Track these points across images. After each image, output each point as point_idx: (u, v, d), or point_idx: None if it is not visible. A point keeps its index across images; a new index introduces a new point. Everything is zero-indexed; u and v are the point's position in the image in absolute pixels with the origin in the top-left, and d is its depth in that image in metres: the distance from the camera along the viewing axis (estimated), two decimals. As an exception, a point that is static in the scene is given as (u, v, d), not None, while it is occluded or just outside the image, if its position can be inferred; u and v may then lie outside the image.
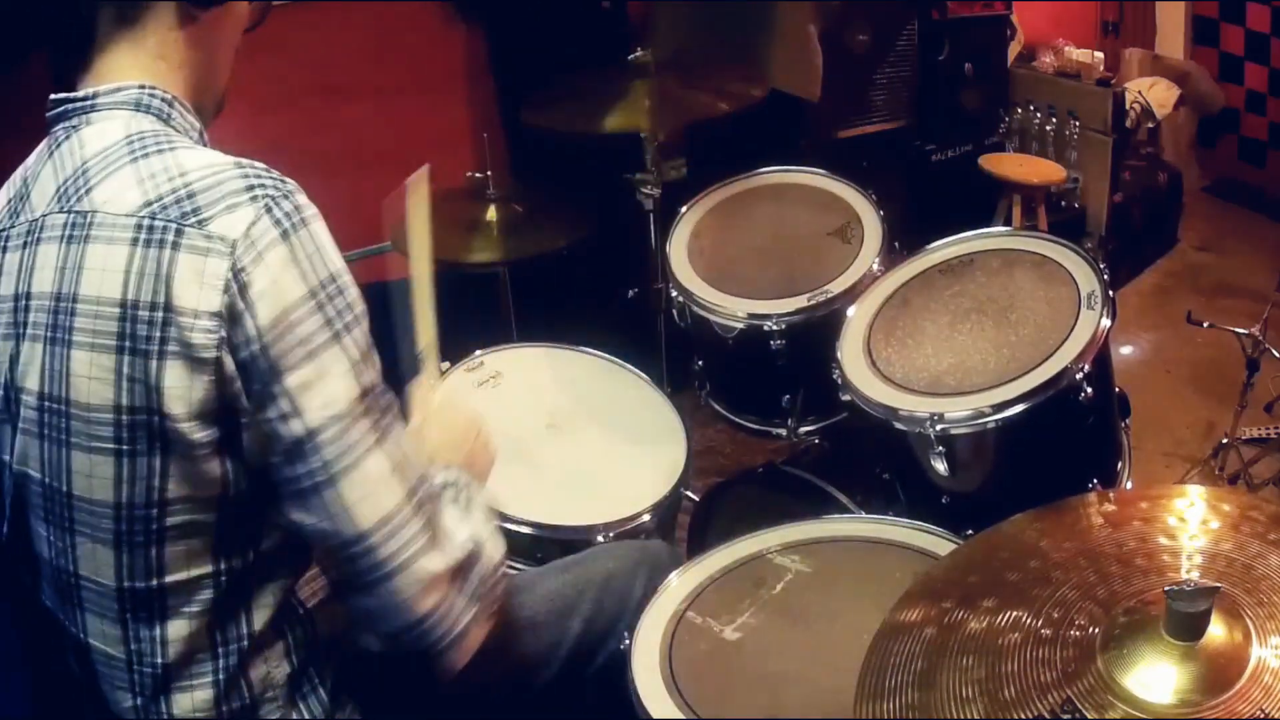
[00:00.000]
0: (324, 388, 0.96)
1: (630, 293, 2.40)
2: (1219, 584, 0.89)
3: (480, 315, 2.38)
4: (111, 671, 1.04)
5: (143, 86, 1.02)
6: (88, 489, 0.98)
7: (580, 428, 1.77)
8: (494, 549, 1.12)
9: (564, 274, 2.41)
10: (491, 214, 2.25)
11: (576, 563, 1.45)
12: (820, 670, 1.23)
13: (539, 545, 1.57)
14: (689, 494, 1.85)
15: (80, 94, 1.01)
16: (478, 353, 1.85)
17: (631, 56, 2.19)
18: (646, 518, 1.59)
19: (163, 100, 1.02)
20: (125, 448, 0.96)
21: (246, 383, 0.95)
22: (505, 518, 1.54)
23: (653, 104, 2.11)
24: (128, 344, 0.94)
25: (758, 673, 1.25)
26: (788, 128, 2.91)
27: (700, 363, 2.07)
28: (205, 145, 1.05)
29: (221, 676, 1.03)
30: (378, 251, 2.76)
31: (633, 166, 2.23)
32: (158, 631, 1.01)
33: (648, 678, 1.24)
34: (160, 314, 0.93)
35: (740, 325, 1.92)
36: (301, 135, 2.65)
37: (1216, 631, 0.89)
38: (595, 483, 1.68)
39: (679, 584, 1.39)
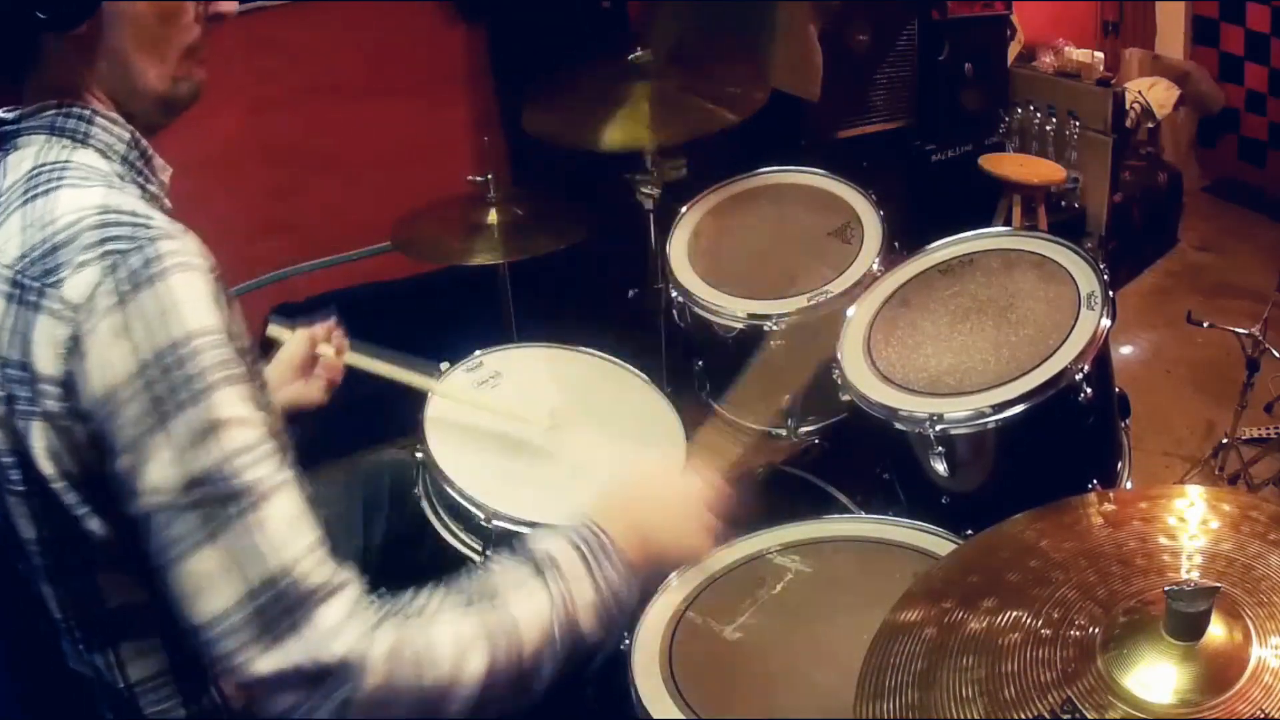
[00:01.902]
0: (147, 475, 0.88)
1: (630, 293, 2.40)
2: (1219, 584, 0.89)
3: (480, 316, 2.38)
4: (99, 691, 1.05)
5: (60, 105, 0.99)
6: (19, 528, 0.99)
7: (580, 428, 1.77)
8: (459, 665, 0.95)
9: (564, 274, 2.41)
10: (492, 217, 2.25)
11: None
12: (820, 670, 1.23)
13: (539, 545, 1.56)
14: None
15: (9, 115, 1.01)
16: (477, 353, 1.85)
17: (631, 56, 2.19)
18: (646, 518, 1.59)
19: (79, 119, 1.00)
20: (22, 489, 0.96)
21: (98, 452, 0.90)
22: (505, 518, 1.54)
23: (653, 114, 2.11)
24: (6, 397, 0.92)
25: (758, 673, 1.25)
26: (788, 128, 2.91)
27: (700, 363, 2.07)
28: (137, 152, 1.03)
29: (185, 693, 1.04)
30: (378, 252, 2.78)
31: (632, 166, 2.23)
32: (112, 657, 1.02)
33: (647, 678, 1.24)
34: (28, 374, 0.91)
35: (740, 325, 1.92)
36: (301, 135, 2.65)
37: (1216, 631, 0.89)
38: (595, 483, 1.67)
39: (679, 584, 1.39)
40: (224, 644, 0.89)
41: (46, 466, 0.92)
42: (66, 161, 0.97)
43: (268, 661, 0.88)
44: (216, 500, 0.88)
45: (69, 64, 1.00)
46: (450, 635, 0.96)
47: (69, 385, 0.89)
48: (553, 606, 1.03)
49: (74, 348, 0.88)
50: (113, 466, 0.89)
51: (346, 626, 0.91)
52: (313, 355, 1.61)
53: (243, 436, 0.90)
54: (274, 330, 1.64)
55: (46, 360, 0.89)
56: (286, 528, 0.91)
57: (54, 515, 0.95)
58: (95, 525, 0.95)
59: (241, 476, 0.89)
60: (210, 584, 0.88)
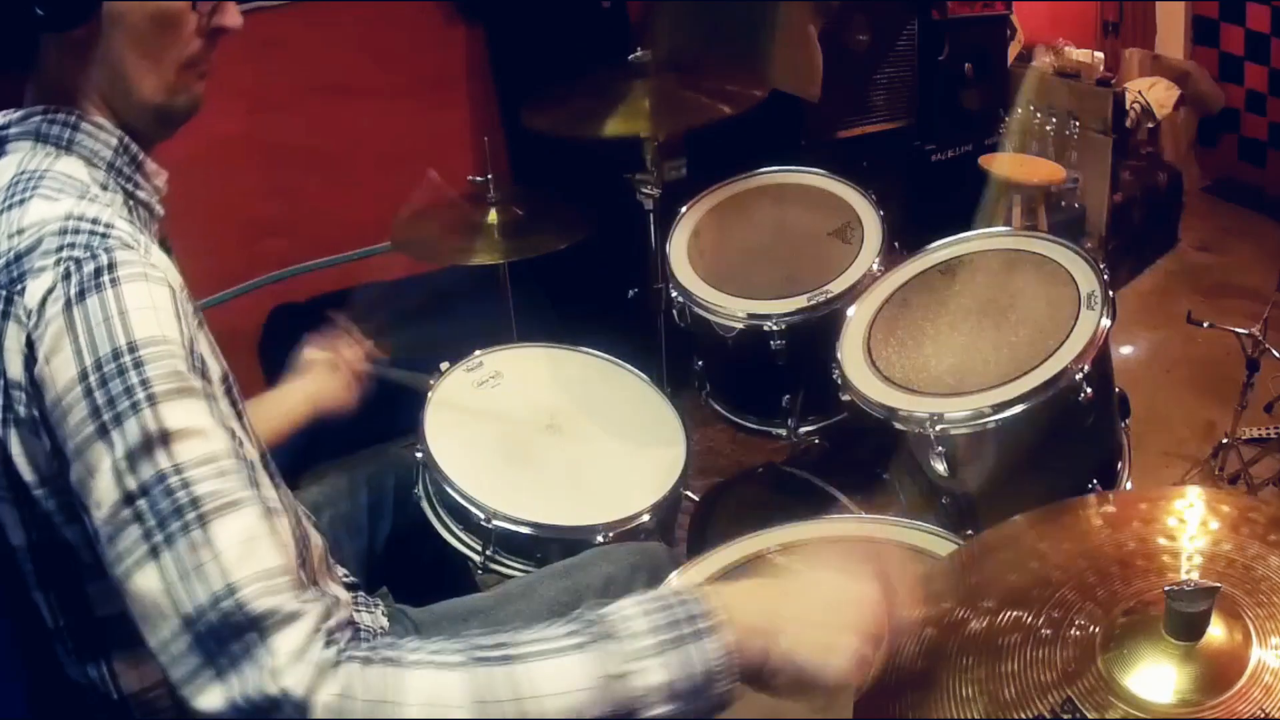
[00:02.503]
0: (93, 487, 0.85)
1: (630, 293, 2.40)
2: (1219, 584, 0.89)
3: (480, 316, 2.38)
4: (94, 702, 1.05)
5: (46, 112, 0.99)
6: (9, 534, 0.98)
7: (580, 428, 1.77)
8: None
9: (564, 274, 2.41)
10: (492, 217, 2.25)
11: (574, 568, 1.44)
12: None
13: (538, 545, 1.57)
14: (689, 494, 1.86)
15: (2, 121, 1.01)
16: (477, 353, 1.85)
17: (631, 56, 2.19)
18: (646, 518, 1.59)
19: (64, 125, 0.99)
20: (9, 495, 0.95)
21: (60, 461, 0.88)
22: (505, 517, 1.54)
23: (653, 108, 2.11)
24: None
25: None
26: (788, 128, 2.91)
27: (700, 363, 2.07)
28: (126, 158, 1.02)
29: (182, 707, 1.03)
30: (378, 251, 2.78)
31: (632, 166, 2.23)
32: (105, 668, 1.02)
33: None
34: (2, 380, 0.90)
35: (740, 325, 1.92)
36: (301, 135, 2.65)
37: (1216, 631, 0.89)
38: (595, 483, 1.68)
39: (679, 584, 1.38)
40: (173, 671, 0.83)
41: (26, 473, 0.92)
42: (45, 170, 0.97)
43: (212, 695, 0.82)
44: (160, 514, 0.83)
45: (65, 68, 0.99)
46: (424, 690, 0.82)
47: (31, 392, 0.88)
48: (589, 683, 0.84)
49: (30, 353, 0.87)
50: (71, 479, 0.87)
51: (296, 662, 0.81)
52: (340, 360, 1.65)
53: (194, 450, 0.85)
54: (311, 354, 1.66)
55: (15, 366, 0.89)
56: (237, 548, 0.83)
57: (38, 522, 0.95)
58: (73, 534, 0.94)
59: (190, 490, 0.84)
60: (155, 604, 0.83)
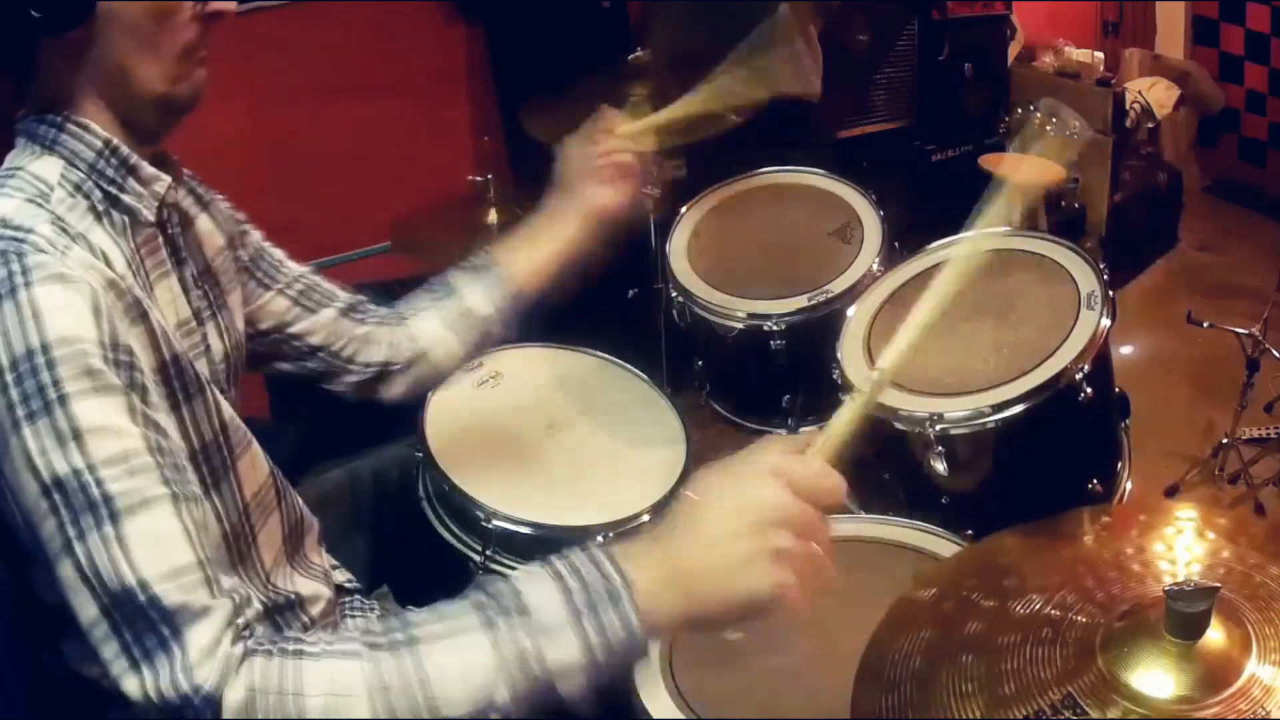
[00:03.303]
0: (17, 479, 0.88)
1: (630, 293, 2.40)
2: (1218, 584, 0.90)
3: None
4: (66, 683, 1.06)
5: (38, 111, 1.01)
6: None
7: (580, 428, 1.77)
8: (331, 715, 0.84)
9: (564, 274, 2.40)
10: (492, 217, 2.25)
11: None
12: (820, 670, 1.23)
13: (538, 545, 1.56)
14: (689, 494, 1.85)
15: (18, 119, 1.03)
16: (478, 353, 1.85)
17: (631, 57, 2.19)
18: (646, 518, 1.59)
19: (50, 125, 1.01)
20: None
21: None
22: (505, 517, 1.54)
23: (654, 120, 2.10)
24: None
25: (758, 673, 1.25)
26: (788, 128, 2.91)
27: (700, 363, 2.07)
28: (115, 161, 1.02)
29: None
30: (378, 252, 2.78)
31: (632, 166, 2.22)
32: (60, 650, 1.03)
33: (647, 678, 1.24)
34: None
35: (740, 325, 1.92)
36: (301, 135, 2.65)
37: (1216, 632, 0.89)
38: (595, 483, 1.68)
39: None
40: (100, 654, 0.87)
41: None
42: (18, 169, 0.99)
43: (132, 683, 0.86)
44: (74, 508, 0.86)
45: (61, 71, 1.00)
46: (324, 681, 0.84)
47: None
48: (499, 667, 0.85)
49: None
50: (0, 474, 0.89)
51: (207, 658, 0.84)
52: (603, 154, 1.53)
53: (108, 447, 0.88)
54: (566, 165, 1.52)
55: None
56: (150, 545, 0.86)
57: None
58: (9, 522, 0.95)
59: (103, 487, 0.87)
60: (75, 593, 0.87)
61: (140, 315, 0.98)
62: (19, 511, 0.89)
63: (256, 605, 0.90)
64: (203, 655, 0.84)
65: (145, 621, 0.85)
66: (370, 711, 0.84)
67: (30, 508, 0.88)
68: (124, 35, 0.99)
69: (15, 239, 0.92)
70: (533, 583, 0.90)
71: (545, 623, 0.87)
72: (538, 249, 1.50)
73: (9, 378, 0.87)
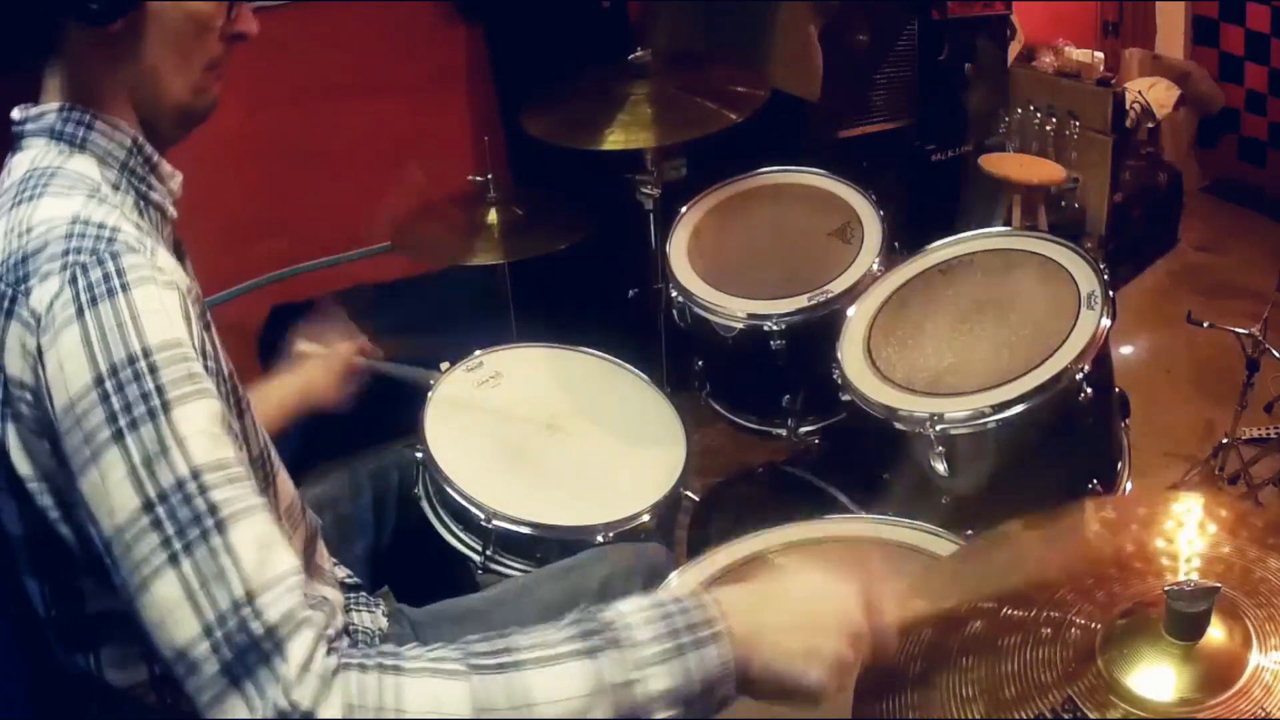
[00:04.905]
0: (108, 495, 0.83)
1: (630, 293, 2.40)
2: (1218, 584, 0.89)
3: (480, 316, 2.38)
4: (82, 688, 1.05)
5: (62, 109, 0.99)
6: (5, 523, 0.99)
7: (580, 428, 1.77)
8: None
9: (564, 274, 2.41)
10: (492, 216, 2.25)
11: (571, 569, 1.44)
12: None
13: (538, 545, 1.57)
14: (689, 494, 1.86)
15: (17, 117, 1.00)
16: (478, 353, 1.85)
17: (632, 56, 2.19)
18: (646, 518, 1.59)
19: (78, 123, 0.98)
20: (4, 485, 0.95)
21: (65, 467, 0.87)
22: (505, 517, 1.54)
23: (655, 117, 2.11)
24: None
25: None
26: (788, 128, 2.91)
27: (700, 363, 2.07)
28: (140, 159, 1.02)
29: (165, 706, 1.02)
30: (378, 251, 2.78)
31: (632, 166, 2.23)
32: (92, 660, 1.02)
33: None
34: (3, 376, 0.90)
35: (740, 325, 1.92)
36: (301, 135, 2.65)
37: (1216, 631, 0.89)
38: (595, 483, 1.68)
39: (679, 584, 1.38)
40: (190, 679, 0.82)
41: (22, 466, 0.92)
42: (57, 168, 0.96)
43: (227, 705, 0.80)
44: (180, 520, 0.82)
45: (94, 64, 0.99)
46: (427, 700, 0.82)
47: (37, 395, 0.87)
48: (599, 693, 0.84)
49: (38, 358, 0.87)
50: (79, 485, 0.85)
51: (304, 672, 0.81)
52: (332, 354, 1.65)
53: (209, 454, 0.85)
54: (304, 347, 1.67)
55: (18, 367, 0.88)
56: (256, 553, 0.83)
57: (33, 515, 0.95)
58: (68, 531, 0.94)
59: (208, 495, 0.83)
60: (174, 611, 0.81)
61: (207, 323, 0.98)
62: (102, 528, 0.84)
63: (340, 616, 0.87)
64: (301, 669, 0.80)
65: (250, 635, 0.81)
66: None
67: (124, 524, 0.83)
68: (163, 38, 0.99)
69: (106, 238, 0.89)
70: (636, 612, 0.89)
71: (646, 655, 0.86)
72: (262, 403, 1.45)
73: (109, 385, 0.84)
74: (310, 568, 1.27)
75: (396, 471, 1.67)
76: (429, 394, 1.73)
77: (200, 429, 0.86)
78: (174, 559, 0.82)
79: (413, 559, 1.62)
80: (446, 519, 1.61)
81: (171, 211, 1.07)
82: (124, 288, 0.87)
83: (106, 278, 0.87)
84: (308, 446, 1.59)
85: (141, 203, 1.02)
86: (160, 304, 0.88)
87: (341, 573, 1.40)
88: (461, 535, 1.59)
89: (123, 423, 0.83)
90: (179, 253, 1.12)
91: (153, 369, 0.85)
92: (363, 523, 1.60)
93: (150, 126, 1.03)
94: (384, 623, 1.34)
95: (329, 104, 2.66)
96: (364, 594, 1.40)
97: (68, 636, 1.02)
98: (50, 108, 0.99)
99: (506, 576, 1.56)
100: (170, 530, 0.82)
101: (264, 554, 0.84)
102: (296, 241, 2.78)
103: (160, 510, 0.83)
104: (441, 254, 2.27)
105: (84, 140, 0.99)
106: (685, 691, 0.86)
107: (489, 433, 1.72)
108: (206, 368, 0.91)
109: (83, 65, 0.99)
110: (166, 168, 1.06)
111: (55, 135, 0.99)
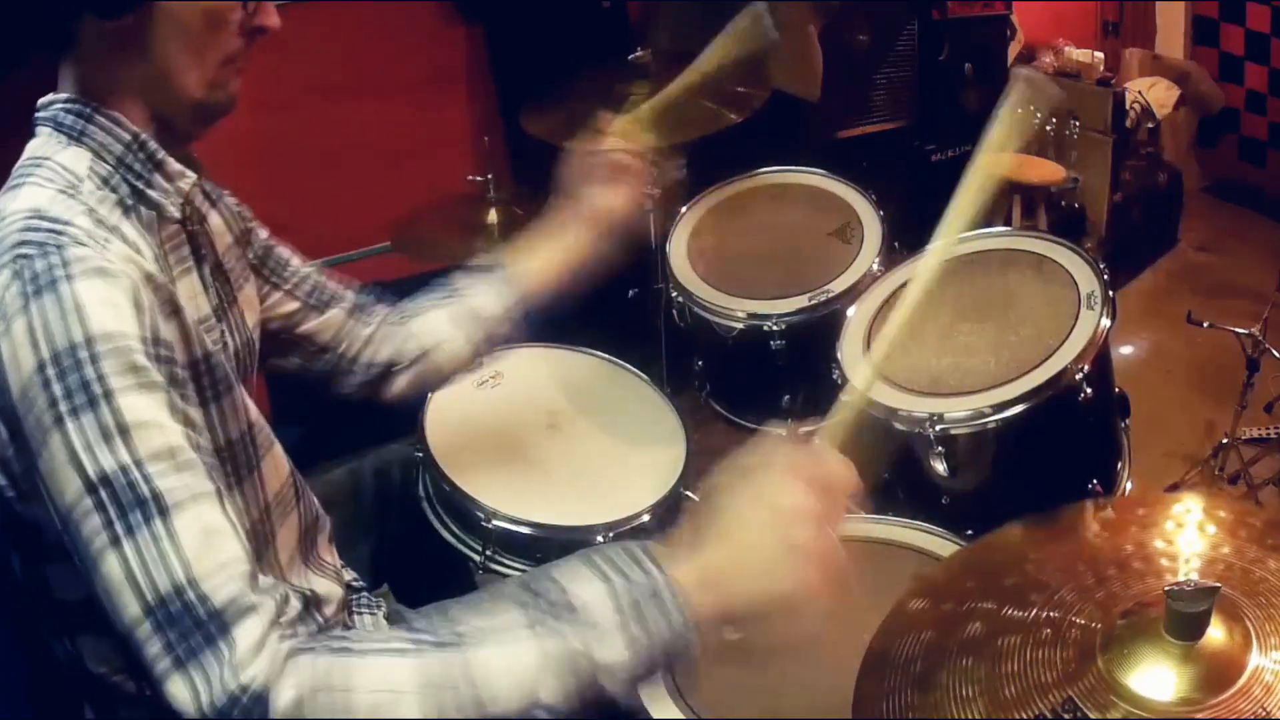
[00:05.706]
0: (56, 477, 0.86)
1: (630, 293, 2.40)
2: (1218, 584, 0.89)
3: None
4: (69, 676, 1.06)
5: (68, 100, 1.00)
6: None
7: (580, 428, 1.77)
8: (381, 713, 0.83)
9: (571, 279, 2.40)
10: (492, 217, 2.25)
11: None
12: (820, 670, 1.23)
13: (538, 545, 1.56)
14: (689, 494, 1.85)
15: (40, 104, 1.02)
16: (478, 353, 1.85)
17: (632, 56, 2.19)
18: (647, 518, 1.59)
19: (78, 115, 1.00)
20: None
21: (24, 453, 0.89)
22: (505, 517, 1.54)
23: (655, 116, 2.10)
24: None
25: (758, 673, 1.25)
26: (788, 128, 2.91)
27: (700, 363, 2.07)
28: (143, 156, 1.02)
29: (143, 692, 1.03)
30: (378, 251, 2.78)
31: (632, 166, 2.22)
32: (70, 647, 1.03)
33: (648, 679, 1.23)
34: None
35: (740, 325, 1.92)
36: (301, 135, 2.65)
37: (1216, 631, 0.89)
38: (595, 483, 1.68)
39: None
40: (142, 655, 0.84)
41: None
42: (45, 159, 0.98)
43: (177, 684, 0.82)
44: (121, 504, 0.85)
45: (105, 58, 0.99)
46: (376, 678, 0.84)
47: (1, 384, 0.88)
48: (547, 664, 0.86)
49: None
50: (38, 468, 0.88)
51: (255, 655, 0.82)
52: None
53: (154, 443, 0.87)
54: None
55: None
56: (198, 540, 0.85)
57: (6, 504, 0.96)
58: (32, 515, 0.95)
59: (152, 483, 0.85)
60: (120, 591, 0.84)
61: (174, 311, 0.98)
62: (56, 509, 0.87)
63: (296, 603, 0.89)
64: (250, 653, 0.82)
65: (191, 619, 0.83)
66: (420, 709, 0.83)
67: (70, 505, 0.86)
68: (174, 34, 0.99)
69: (53, 231, 0.91)
70: (578, 580, 0.90)
71: (592, 621, 0.87)
72: (544, 253, 1.49)
73: (50, 372, 0.86)
74: (309, 556, 1.27)
75: (398, 470, 1.67)
76: (429, 394, 1.73)
77: (144, 419, 0.87)
78: (115, 541, 0.84)
79: (413, 559, 1.62)
80: (446, 519, 1.61)
81: (172, 211, 1.06)
82: (68, 278, 0.88)
83: (50, 268, 0.88)
84: (309, 446, 1.59)
85: (131, 199, 1.02)
86: (104, 296, 0.89)
87: (349, 575, 1.40)
88: (461, 535, 1.59)
89: (64, 409, 0.85)
90: (195, 248, 1.11)
91: (94, 358, 0.86)
92: (363, 522, 1.60)
93: (165, 122, 1.04)
94: (384, 623, 1.34)
95: (329, 104, 2.67)
96: (367, 595, 1.40)
97: (47, 624, 1.04)
98: (58, 98, 1.01)
99: (506, 577, 1.56)
100: (113, 513, 0.84)
101: (208, 540, 0.86)
102: (295, 241, 2.78)
103: (103, 493, 0.85)
104: (441, 254, 2.27)
105: (81, 133, 1.00)
106: (644, 654, 0.87)
107: (489, 433, 1.72)
108: (160, 357, 0.91)
109: (93, 59, 1.00)
110: (174, 166, 1.06)
111: (57, 126, 1.00)
